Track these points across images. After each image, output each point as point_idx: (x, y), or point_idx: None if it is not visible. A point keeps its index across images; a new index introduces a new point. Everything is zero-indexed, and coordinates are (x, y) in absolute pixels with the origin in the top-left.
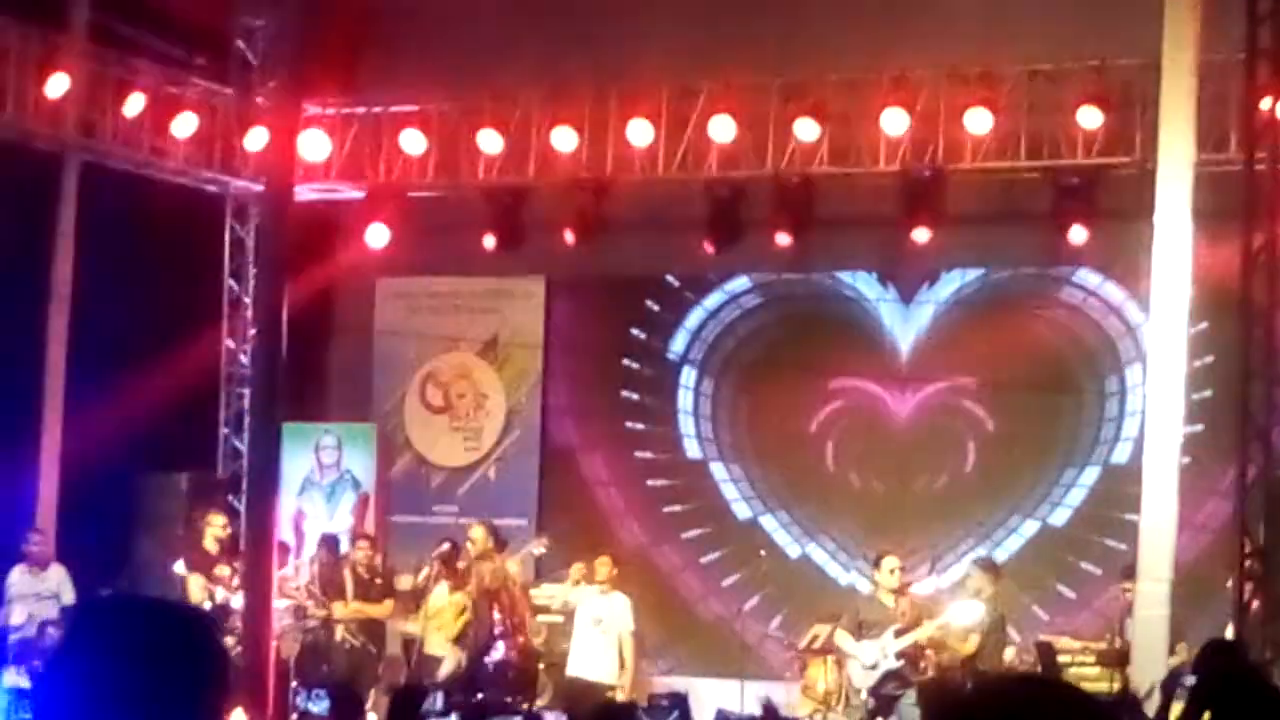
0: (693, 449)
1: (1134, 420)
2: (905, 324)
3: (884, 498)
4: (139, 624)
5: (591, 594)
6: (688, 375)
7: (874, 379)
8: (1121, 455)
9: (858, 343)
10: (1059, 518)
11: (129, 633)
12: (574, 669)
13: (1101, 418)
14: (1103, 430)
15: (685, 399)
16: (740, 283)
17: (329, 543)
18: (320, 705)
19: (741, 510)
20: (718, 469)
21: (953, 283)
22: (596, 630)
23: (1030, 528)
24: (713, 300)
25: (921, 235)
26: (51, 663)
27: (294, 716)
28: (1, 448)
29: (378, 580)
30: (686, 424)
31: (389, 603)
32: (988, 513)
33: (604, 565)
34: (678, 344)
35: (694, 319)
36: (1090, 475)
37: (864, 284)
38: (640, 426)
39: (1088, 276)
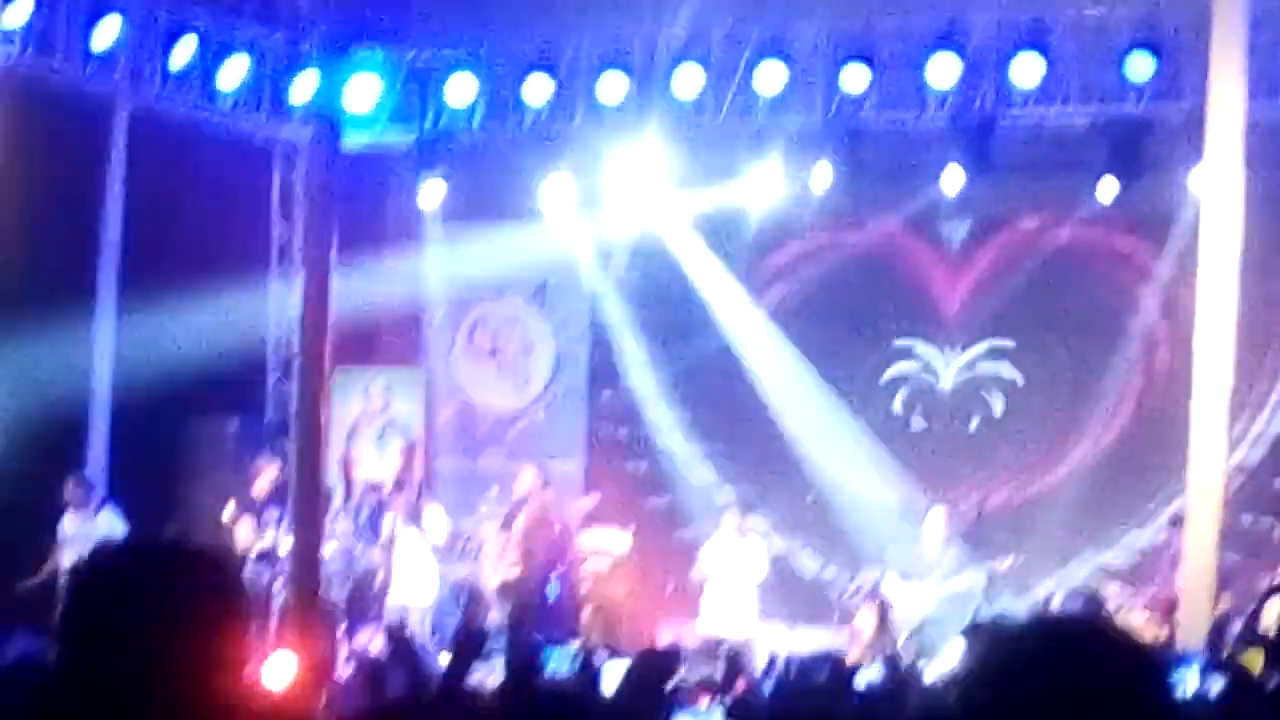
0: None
1: None
2: (953, 274)
3: (937, 444)
4: (148, 565)
5: (724, 544)
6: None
7: (923, 332)
8: None
9: (906, 296)
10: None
11: (139, 573)
12: (703, 626)
13: (1152, 367)
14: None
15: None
16: (791, 231)
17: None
18: (376, 645)
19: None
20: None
21: (1002, 232)
22: (727, 583)
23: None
24: (763, 248)
25: (970, 184)
26: (68, 607)
27: (344, 656)
28: (53, 395)
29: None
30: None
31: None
32: (1030, 460)
33: (730, 517)
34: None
35: (746, 266)
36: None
37: (912, 234)
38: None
39: (1139, 225)
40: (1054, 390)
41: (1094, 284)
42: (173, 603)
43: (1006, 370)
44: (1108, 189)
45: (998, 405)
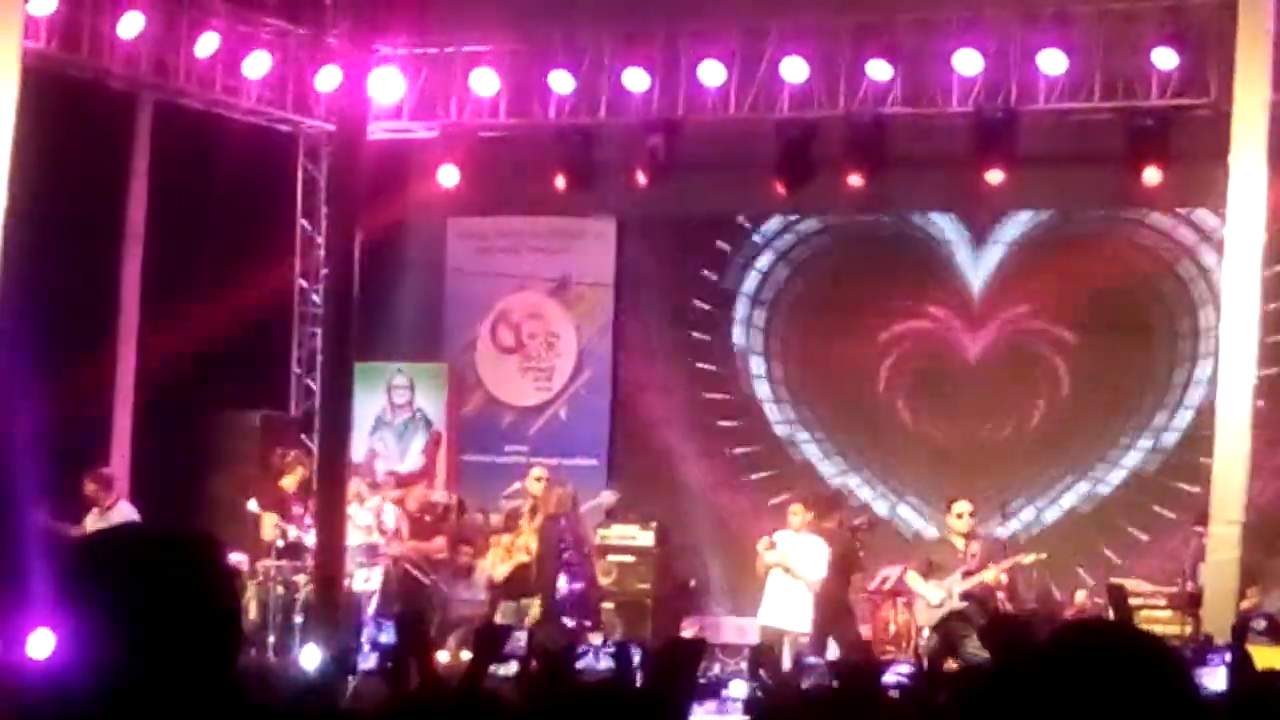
0: (761, 389)
1: (1207, 363)
2: (977, 266)
3: (953, 443)
4: (134, 552)
5: (785, 540)
6: (758, 316)
7: (945, 323)
8: (1194, 399)
9: (929, 285)
10: (1131, 460)
11: (122, 562)
12: (764, 618)
13: (1174, 361)
14: (1174, 374)
15: (755, 340)
16: (811, 224)
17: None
18: (389, 635)
19: (811, 452)
20: (787, 410)
21: (1025, 224)
22: (786, 577)
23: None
24: (784, 242)
25: (994, 176)
26: (56, 595)
27: (365, 647)
28: (76, 387)
29: (427, 518)
30: (756, 365)
31: (440, 540)
32: (1056, 459)
33: (795, 513)
34: (749, 285)
35: (765, 260)
36: (1164, 419)
37: (935, 225)
38: (711, 368)
39: (1161, 218)
40: (1079, 385)
41: (1118, 277)
42: (145, 587)
43: (1036, 365)
44: (1131, 181)
45: (1024, 402)
